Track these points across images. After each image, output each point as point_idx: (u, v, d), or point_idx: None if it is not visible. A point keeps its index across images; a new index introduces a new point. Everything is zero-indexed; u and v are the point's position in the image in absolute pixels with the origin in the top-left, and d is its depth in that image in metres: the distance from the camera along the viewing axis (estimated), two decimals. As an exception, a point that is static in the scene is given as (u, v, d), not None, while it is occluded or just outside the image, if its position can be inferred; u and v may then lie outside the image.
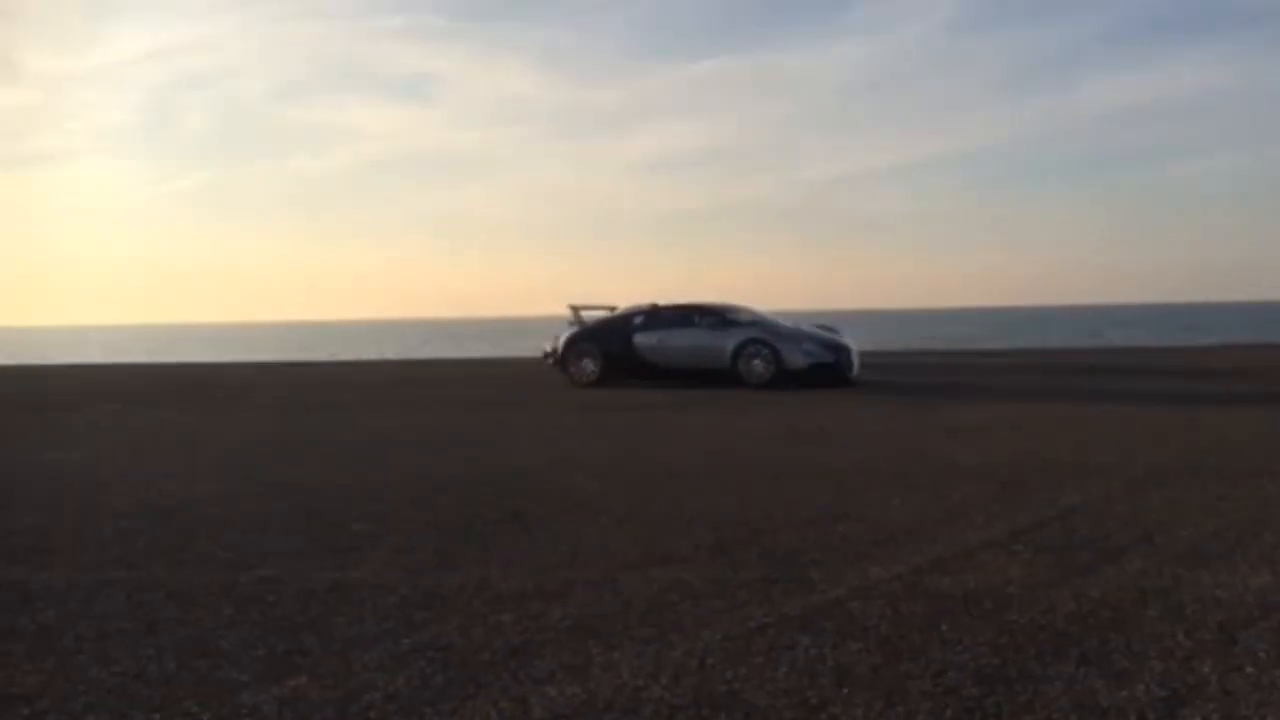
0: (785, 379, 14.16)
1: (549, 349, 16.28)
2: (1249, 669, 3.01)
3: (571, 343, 15.83)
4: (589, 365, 15.56)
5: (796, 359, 14.32)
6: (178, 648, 3.36)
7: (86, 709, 2.85)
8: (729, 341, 14.66)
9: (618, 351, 15.40)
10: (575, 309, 16.46)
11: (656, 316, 15.53)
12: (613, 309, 16.47)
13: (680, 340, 15.09)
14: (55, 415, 12.69)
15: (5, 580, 4.25)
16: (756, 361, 14.39)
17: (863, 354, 16.05)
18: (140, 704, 2.88)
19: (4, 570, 4.43)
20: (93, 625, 3.61)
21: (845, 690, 2.90)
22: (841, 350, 14.81)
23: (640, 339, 15.30)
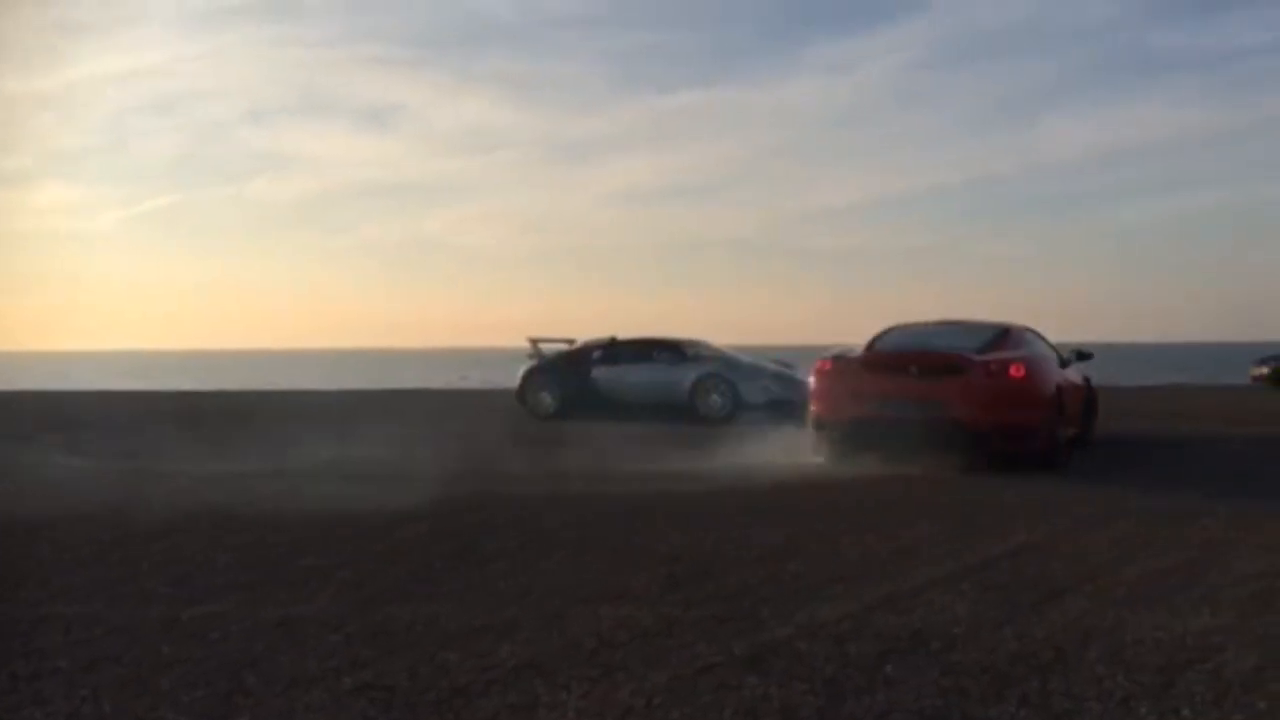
0: (742, 414, 14.22)
1: None
2: (1185, 712, 3.05)
3: (530, 375, 15.81)
4: (547, 398, 15.55)
5: (754, 395, 14.40)
6: (116, 687, 3.30)
7: (18, 751, 2.79)
8: (687, 377, 14.72)
9: (576, 385, 15.41)
10: (534, 341, 16.44)
11: (615, 351, 15.57)
12: (571, 342, 16.48)
13: (638, 375, 15.14)
14: None
15: (-61, 616, 4.16)
16: (714, 397, 14.47)
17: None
18: (74, 745, 2.83)
19: (-61, 605, 4.33)
20: (29, 663, 3.54)
21: (790, 732, 2.91)
22: (798, 387, 14.90)
23: (599, 373, 15.33)
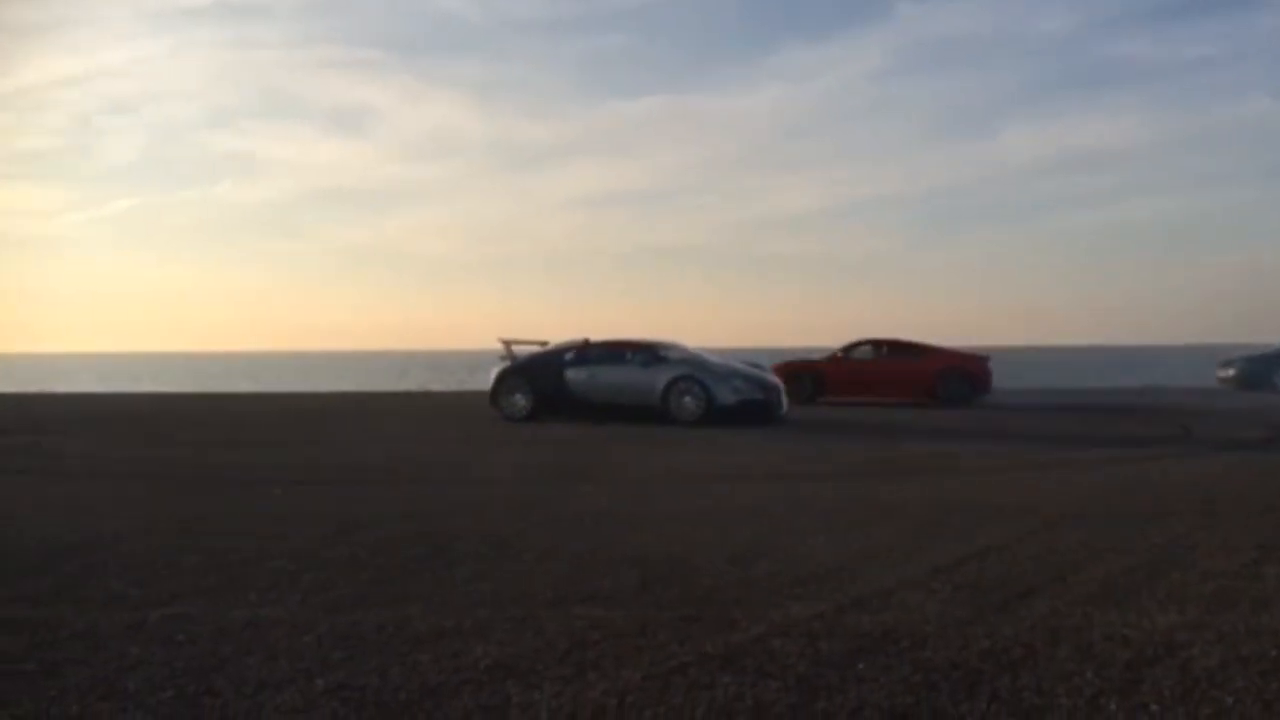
0: (715, 416, 14.24)
1: None
2: (1154, 707, 3.09)
3: (503, 377, 15.77)
4: (520, 400, 15.52)
5: (727, 396, 14.42)
6: (81, 690, 3.26)
7: (-20, 754, 2.75)
8: (660, 378, 14.71)
9: (549, 387, 15.38)
10: (507, 343, 16.41)
11: (588, 352, 15.55)
12: (544, 344, 16.45)
13: (611, 376, 15.12)
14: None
15: (-100, 619, 4.09)
16: (687, 399, 14.47)
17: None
18: (38, 749, 2.79)
19: (-101, 608, 4.26)
20: (-8, 666, 3.49)
21: (762, 729, 2.91)
22: (770, 388, 14.96)
23: (572, 374, 15.30)
